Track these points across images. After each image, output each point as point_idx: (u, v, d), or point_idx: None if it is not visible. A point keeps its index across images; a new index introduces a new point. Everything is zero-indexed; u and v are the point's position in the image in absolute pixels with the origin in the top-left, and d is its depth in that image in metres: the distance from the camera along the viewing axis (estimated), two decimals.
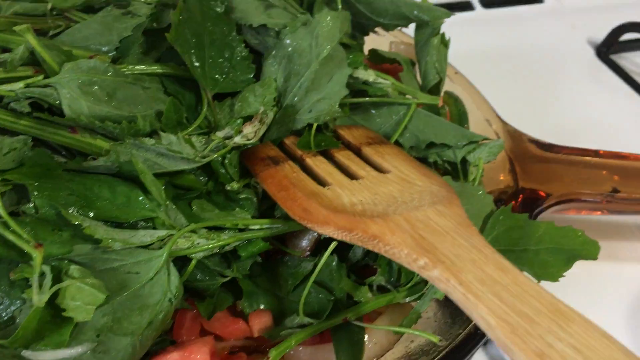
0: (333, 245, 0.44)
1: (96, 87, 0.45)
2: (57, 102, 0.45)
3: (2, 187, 0.39)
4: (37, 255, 0.38)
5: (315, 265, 0.49)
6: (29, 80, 0.45)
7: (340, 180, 0.47)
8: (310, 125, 0.54)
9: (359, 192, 0.45)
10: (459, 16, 1.00)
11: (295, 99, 0.54)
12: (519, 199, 0.54)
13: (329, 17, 0.53)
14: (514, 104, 0.75)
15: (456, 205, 0.42)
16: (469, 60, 0.76)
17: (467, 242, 0.38)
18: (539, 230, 0.49)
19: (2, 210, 0.38)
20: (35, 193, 0.40)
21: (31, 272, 0.39)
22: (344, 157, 0.51)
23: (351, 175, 0.49)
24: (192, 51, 0.52)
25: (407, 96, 0.59)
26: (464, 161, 0.55)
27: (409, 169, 0.48)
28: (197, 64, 0.52)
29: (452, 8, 1.03)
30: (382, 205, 0.43)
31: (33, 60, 0.47)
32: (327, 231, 0.42)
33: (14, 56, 0.45)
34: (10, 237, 0.38)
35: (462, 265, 0.35)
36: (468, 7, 1.03)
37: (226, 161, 0.51)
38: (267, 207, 0.51)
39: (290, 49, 0.54)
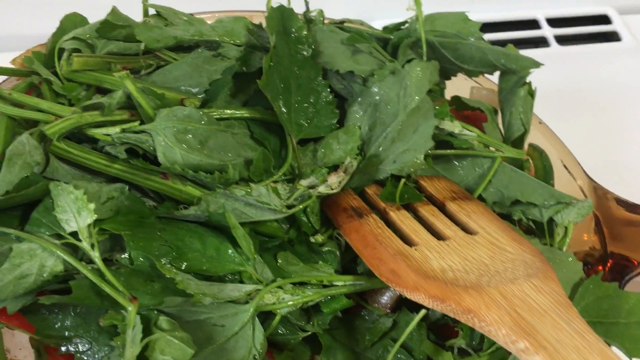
0: (422, 313, 0.43)
1: (190, 135, 0.45)
2: (152, 148, 0.45)
3: (99, 237, 0.40)
4: (132, 309, 0.38)
5: (394, 322, 0.48)
6: (125, 126, 0.46)
7: (427, 240, 0.46)
8: (393, 176, 0.53)
9: (448, 256, 0.44)
10: (533, 52, 0.99)
11: (380, 148, 0.53)
12: (608, 265, 0.52)
13: (418, 68, 0.52)
14: (589, 147, 0.73)
15: (552, 279, 0.40)
16: (542, 99, 0.74)
17: (568, 326, 0.36)
18: (629, 302, 0.47)
19: (100, 261, 0.39)
20: (131, 244, 0.40)
21: (120, 319, 0.40)
22: (429, 213, 0.50)
23: (437, 235, 0.48)
24: (280, 96, 0.52)
25: (491, 148, 0.57)
26: (550, 221, 0.53)
27: (498, 232, 0.47)
28: (284, 109, 0.52)
29: (527, 43, 1.02)
30: (474, 273, 0.42)
31: (128, 104, 0.48)
32: (417, 298, 0.41)
33: (111, 101, 0.46)
34: (106, 288, 0.38)
35: (566, 355, 0.34)
36: (543, 43, 1.00)
37: (308, 209, 0.50)
38: (348, 259, 0.50)
39: (377, 97, 0.53)
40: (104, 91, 0.51)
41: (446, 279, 0.41)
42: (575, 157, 0.63)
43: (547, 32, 1.01)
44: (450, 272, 0.42)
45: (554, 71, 0.95)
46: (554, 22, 1.03)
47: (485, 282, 0.40)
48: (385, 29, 0.63)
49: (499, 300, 0.38)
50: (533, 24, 1.02)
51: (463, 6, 0.98)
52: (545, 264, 0.42)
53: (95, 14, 0.58)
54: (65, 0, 0.74)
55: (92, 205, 0.39)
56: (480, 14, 0.99)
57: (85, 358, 0.41)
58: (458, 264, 0.43)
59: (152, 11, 0.59)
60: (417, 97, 0.52)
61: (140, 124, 0.45)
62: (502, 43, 0.96)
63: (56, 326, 0.41)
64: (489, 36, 0.94)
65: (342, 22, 0.66)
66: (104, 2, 0.67)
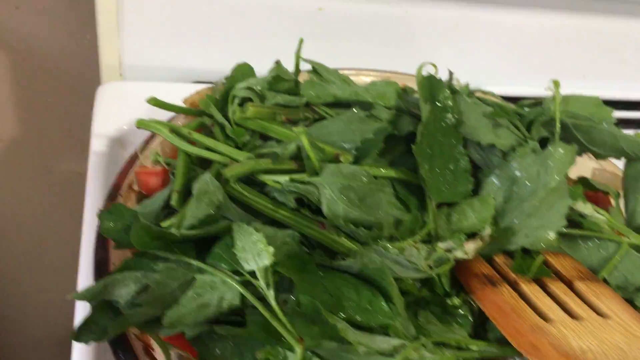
0: None
1: (352, 191, 0.49)
2: (317, 199, 0.49)
3: (274, 278, 0.44)
4: (299, 350, 0.41)
5: None
6: (295, 176, 0.50)
7: (562, 317, 0.49)
8: (524, 249, 0.55)
9: (585, 337, 0.46)
10: None
11: (515, 221, 0.56)
12: None
13: (562, 151, 0.55)
14: None
15: None
16: None
17: None
18: None
19: (274, 301, 0.43)
20: (300, 288, 0.44)
21: (277, 355, 0.43)
22: (560, 290, 0.52)
23: (570, 314, 0.50)
24: (426, 161, 0.55)
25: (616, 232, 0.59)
26: None
27: (631, 319, 0.49)
28: (428, 173, 0.55)
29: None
30: (612, 358, 0.44)
31: (295, 154, 0.52)
32: None
33: (284, 151, 0.50)
34: (278, 326, 0.42)
35: None
36: None
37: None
38: (477, 324, 0.53)
39: (516, 172, 0.56)
40: (266, 138, 0.56)
41: None
42: None
43: None
44: (590, 353, 0.44)
45: None
46: None
47: None
48: (520, 104, 0.66)
49: None
50: None
51: (576, 83, 1.01)
52: None
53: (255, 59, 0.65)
54: (225, 43, 0.82)
55: (271, 249, 0.43)
56: (591, 92, 1.01)
57: None
58: (596, 346, 0.45)
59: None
60: (557, 178, 0.54)
61: (309, 175, 0.49)
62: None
63: (216, 353, 0.45)
64: None
65: (472, 92, 0.70)
66: (261, 50, 0.74)
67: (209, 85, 0.63)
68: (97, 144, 0.72)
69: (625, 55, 1.02)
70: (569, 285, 0.54)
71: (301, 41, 0.63)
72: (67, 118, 1.13)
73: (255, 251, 0.43)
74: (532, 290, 0.52)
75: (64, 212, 1.26)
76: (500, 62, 0.94)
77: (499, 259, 0.56)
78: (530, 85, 0.97)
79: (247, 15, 0.83)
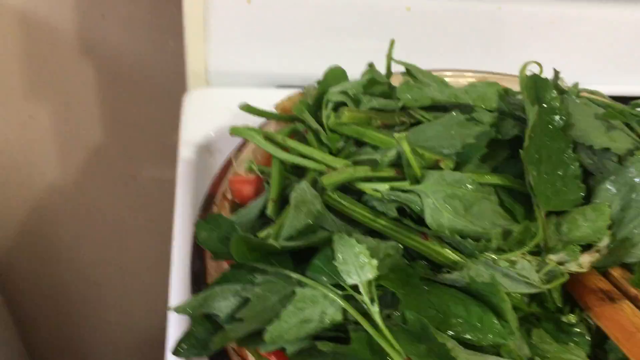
0: None
1: (457, 200, 0.46)
2: (418, 209, 0.46)
3: (378, 293, 0.41)
4: None
5: None
6: (395, 184, 0.47)
7: None
8: None
9: None
10: None
11: (635, 231, 0.51)
12: None
13: None
14: None
15: None
16: None
17: None
18: None
19: (379, 317, 0.40)
20: (406, 303, 0.41)
21: None
22: None
23: None
24: (534, 167, 0.51)
25: None
26: None
27: None
28: (536, 180, 0.51)
29: None
30: None
31: (395, 161, 0.49)
32: None
33: (384, 158, 0.48)
34: (384, 344, 0.40)
35: None
36: None
37: None
38: (595, 343, 0.48)
39: (635, 179, 0.51)
40: (360, 144, 0.54)
41: None
42: None
43: None
44: None
45: None
46: None
47: None
48: (634, 104, 0.61)
49: None
50: None
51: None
52: None
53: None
54: (309, 47, 0.80)
55: (374, 262, 0.40)
56: None
57: None
58: None
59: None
60: None
61: (411, 183, 0.47)
62: None
63: None
64: None
65: (578, 92, 0.65)
66: (352, 53, 0.72)
67: (299, 90, 0.61)
68: (186, 151, 0.72)
69: None
70: None
71: (392, 42, 0.61)
72: (152, 125, 1.15)
73: (358, 264, 0.41)
74: None
75: (147, 217, 1.29)
76: (600, 60, 0.89)
77: (616, 272, 0.52)
78: (635, 84, 0.91)
79: (331, 18, 0.81)
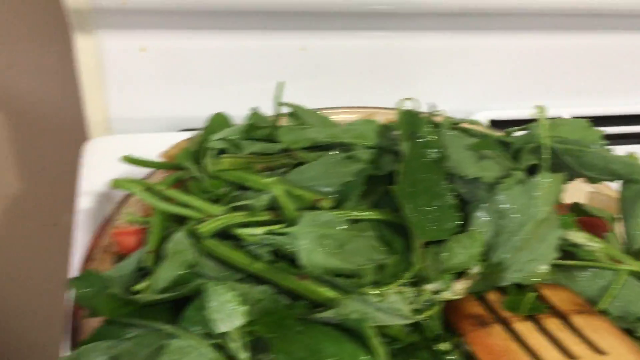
0: None
1: (330, 240, 0.48)
2: (294, 250, 0.48)
3: (248, 338, 0.42)
4: None
5: None
6: (270, 227, 0.48)
7: (556, 357, 0.46)
8: (517, 285, 0.53)
9: None
10: None
11: (505, 256, 0.54)
12: None
13: (548, 180, 0.53)
14: None
15: None
16: None
17: None
18: None
19: None
20: (276, 348, 0.42)
21: None
22: (555, 326, 0.50)
23: (565, 351, 0.47)
24: (409, 200, 0.54)
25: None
26: None
27: (632, 354, 0.46)
28: (412, 212, 0.54)
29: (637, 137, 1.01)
30: None
31: (271, 204, 0.51)
32: None
33: (259, 203, 0.49)
34: None
35: None
36: None
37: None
38: None
39: (503, 205, 0.54)
40: (243, 188, 0.55)
41: None
42: None
43: None
44: None
45: None
46: None
47: None
48: (507, 132, 0.64)
49: None
50: None
51: (572, 100, 0.99)
52: None
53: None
54: (210, 89, 0.82)
55: (243, 309, 0.42)
56: (588, 108, 1.00)
57: None
58: None
59: None
60: (545, 209, 0.52)
61: (285, 226, 0.48)
62: (612, 137, 0.96)
63: None
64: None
65: (457, 123, 0.68)
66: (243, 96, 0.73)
67: (187, 137, 0.62)
68: (84, 202, 0.71)
69: (620, 69, 1.00)
70: (566, 319, 0.51)
71: (281, 85, 0.63)
72: (67, 173, 1.14)
73: (228, 311, 0.42)
74: (525, 329, 0.50)
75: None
76: (492, 86, 0.93)
77: (491, 297, 0.54)
78: (525, 107, 0.95)
79: (230, 60, 0.83)
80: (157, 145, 0.66)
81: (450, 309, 0.52)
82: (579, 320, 0.51)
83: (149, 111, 0.83)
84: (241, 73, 0.83)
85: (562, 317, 0.52)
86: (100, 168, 0.77)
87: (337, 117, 0.68)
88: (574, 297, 0.54)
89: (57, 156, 1.09)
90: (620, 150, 0.64)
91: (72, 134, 1.04)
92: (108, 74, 0.78)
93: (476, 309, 0.51)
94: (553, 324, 0.50)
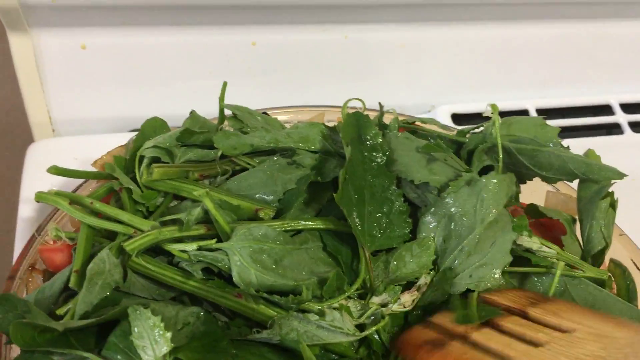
0: None
1: (265, 255, 0.45)
2: (227, 267, 0.45)
3: None
4: None
5: None
6: (202, 243, 0.46)
7: (524, 350, 0.43)
8: (464, 294, 0.51)
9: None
10: (606, 140, 0.96)
11: (456, 262, 0.51)
12: None
13: (495, 181, 0.51)
14: None
15: None
16: (614, 188, 0.72)
17: None
18: None
19: None
20: None
21: None
22: (514, 323, 0.47)
23: (531, 343, 0.45)
24: (354, 208, 0.51)
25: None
26: None
27: (598, 322, 0.44)
28: (358, 220, 0.51)
29: (599, 129, 0.99)
30: None
31: (205, 218, 0.48)
32: None
33: (190, 217, 0.46)
34: None
35: None
36: (616, 129, 0.97)
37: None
38: None
39: (452, 208, 0.52)
40: (181, 198, 0.52)
41: None
42: None
43: (621, 118, 0.98)
44: None
45: (629, 159, 0.92)
46: (628, 108, 1.00)
47: None
48: (460, 133, 0.62)
49: None
50: (606, 109, 0.99)
51: (535, 91, 0.97)
52: None
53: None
54: (160, 87, 0.78)
55: (169, 334, 0.39)
56: (551, 99, 0.98)
57: None
58: None
59: None
60: (494, 210, 0.50)
61: (217, 241, 0.45)
62: (574, 129, 0.94)
63: None
64: (560, 122, 0.92)
65: (413, 122, 0.66)
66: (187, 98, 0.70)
67: (122, 144, 0.59)
68: (26, 210, 0.68)
69: (585, 59, 0.98)
70: (523, 315, 0.49)
71: (224, 85, 0.59)
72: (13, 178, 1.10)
73: (153, 337, 0.39)
74: (484, 336, 0.47)
75: None
76: (453, 80, 0.91)
77: (438, 319, 0.51)
78: (489, 100, 0.93)
79: (179, 56, 0.80)
80: (105, 147, 0.63)
81: (402, 344, 0.49)
82: (536, 312, 0.48)
83: (96, 111, 0.79)
84: (191, 70, 0.79)
85: (518, 313, 0.49)
86: (43, 173, 0.74)
87: (286, 117, 0.66)
88: (525, 292, 0.52)
89: (3, 160, 1.05)
90: (587, 141, 0.62)
91: (20, 136, 1.00)
92: (48, 73, 0.74)
93: (428, 334, 0.48)
94: (511, 323, 0.48)
